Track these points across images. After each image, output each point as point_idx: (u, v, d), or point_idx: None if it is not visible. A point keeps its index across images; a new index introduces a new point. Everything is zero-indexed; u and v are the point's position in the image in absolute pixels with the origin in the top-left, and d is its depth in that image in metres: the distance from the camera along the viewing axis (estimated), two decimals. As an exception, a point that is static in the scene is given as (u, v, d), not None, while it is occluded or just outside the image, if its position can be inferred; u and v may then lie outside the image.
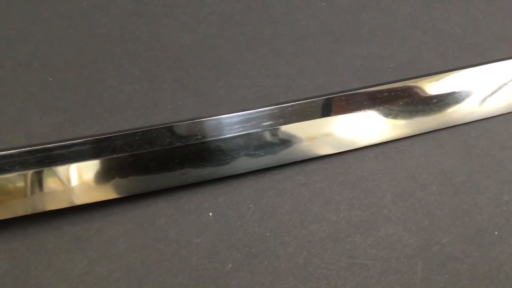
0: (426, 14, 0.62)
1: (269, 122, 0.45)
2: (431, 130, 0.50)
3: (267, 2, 0.62)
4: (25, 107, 0.51)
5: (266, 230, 0.44)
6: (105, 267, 0.42)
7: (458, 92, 0.50)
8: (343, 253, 0.43)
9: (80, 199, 0.43)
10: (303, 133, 0.47)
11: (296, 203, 0.46)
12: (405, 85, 0.49)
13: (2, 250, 0.43)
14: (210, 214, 0.45)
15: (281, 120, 0.46)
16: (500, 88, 0.52)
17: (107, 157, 0.42)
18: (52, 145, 0.42)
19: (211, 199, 0.46)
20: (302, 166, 0.48)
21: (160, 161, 0.43)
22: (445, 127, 0.51)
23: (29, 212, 0.42)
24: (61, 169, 0.42)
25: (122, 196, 0.44)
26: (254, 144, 0.45)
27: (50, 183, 0.42)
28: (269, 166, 0.47)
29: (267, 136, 0.46)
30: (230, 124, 0.45)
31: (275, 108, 0.46)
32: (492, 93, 0.51)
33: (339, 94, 0.48)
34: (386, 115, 0.49)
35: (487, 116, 0.52)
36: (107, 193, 0.43)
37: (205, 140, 0.44)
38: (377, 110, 0.48)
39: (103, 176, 0.43)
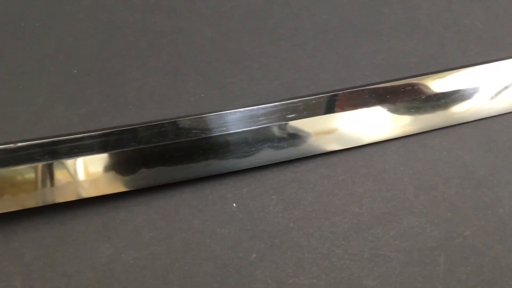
0: (447, 9, 0.62)
1: (293, 115, 0.46)
2: (453, 124, 0.50)
3: (288, -4, 0.63)
4: (50, 98, 0.52)
5: (289, 221, 0.45)
6: (131, 255, 0.43)
7: (479, 87, 0.51)
8: (366, 245, 0.44)
9: (106, 189, 0.44)
10: (326, 126, 0.47)
11: (318, 195, 0.46)
12: (427, 79, 0.50)
13: (30, 238, 0.43)
14: (234, 205, 0.45)
15: (305, 112, 0.46)
16: (522, 82, 0.52)
17: (134, 148, 0.43)
18: (80, 135, 0.42)
19: (235, 190, 0.46)
20: (324, 158, 0.48)
21: (185, 152, 0.44)
22: (466, 121, 0.51)
23: (57, 201, 0.43)
24: (88, 159, 0.42)
25: (148, 186, 0.45)
26: (277, 136, 0.46)
27: (76, 173, 0.43)
28: (292, 158, 0.47)
29: (291, 128, 0.46)
30: (255, 116, 0.45)
31: (299, 101, 0.46)
32: (514, 88, 0.52)
33: (361, 88, 0.49)
34: (409, 108, 0.49)
35: (509, 111, 0.52)
36: (133, 183, 0.44)
37: (230, 132, 0.45)
38: (399, 104, 0.49)
39: (130, 166, 0.43)
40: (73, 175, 0.43)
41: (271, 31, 0.58)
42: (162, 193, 0.46)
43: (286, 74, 0.55)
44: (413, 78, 0.50)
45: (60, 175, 0.42)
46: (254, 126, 0.45)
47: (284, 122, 0.46)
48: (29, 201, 0.42)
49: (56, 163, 0.42)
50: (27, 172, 0.41)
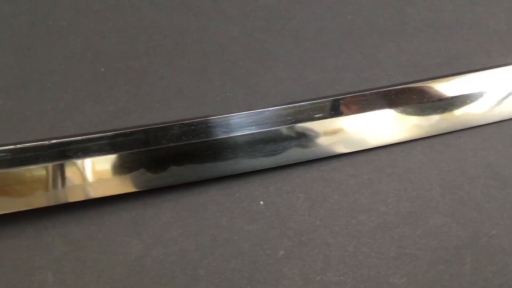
0: (470, 10, 0.62)
1: (320, 114, 0.46)
2: (478, 124, 0.51)
3: (312, -4, 0.63)
4: (78, 96, 0.52)
5: (316, 219, 0.45)
6: (161, 251, 0.43)
7: (504, 88, 0.51)
8: (393, 243, 0.44)
9: (136, 186, 0.44)
10: (352, 126, 0.48)
11: (344, 194, 0.47)
12: (452, 80, 0.50)
13: (61, 234, 0.44)
14: (261, 202, 0.46)
15: (332, 112, 0.47)
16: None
17: (164, 146, 0.44)
18: (111, 133, 0.43)
19: (262, 188, 0.47)
20: (350, 157, 0.49)
21: (214, 151, 0.45)
22: (491, 122, 0.51)
23: (90, 197, 0.44)
24: (119, 157, 0.43)
25: (176, 183, 0.45)
26: (304, 135, 0.46)
27: (108, 171, 0.43)
28: (318, 157, 0.48)
29: (318, 128, 0.47)
30: (282, 115, 0.46)
31: (326, 101, 0.47)
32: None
33: (387, 89, 0.49)
34: (434, 109, 0.49)
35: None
36: (162, 180, 0.45)
37: (258, 131, 0.45)
38: (425, 104, 0.49)
39: (160, 164, 0.44)
40: (104, 173, 0.43)
41: (295, 31, 0.59)
42: (190, 190, 0.47)
43: (311, 73, 0.55)
44: (439, 79, 0.50)
45: (92, 172, 0.43)
46: (281, 125, 0.46)
47: (311, 122, 0.46)
48: (60, 197, 0.43)
49: (88, 161, 0.42)
50: (59, 169, 0.42)
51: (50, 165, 0.42)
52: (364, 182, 0.47)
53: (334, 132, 0.47)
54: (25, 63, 0.55)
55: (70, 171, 0.42)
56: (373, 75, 0.55)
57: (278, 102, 0.49)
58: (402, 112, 0.49)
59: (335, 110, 0.47)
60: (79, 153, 0.42)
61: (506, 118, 0.52)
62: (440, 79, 0.50)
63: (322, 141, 0.47)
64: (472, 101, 0.50)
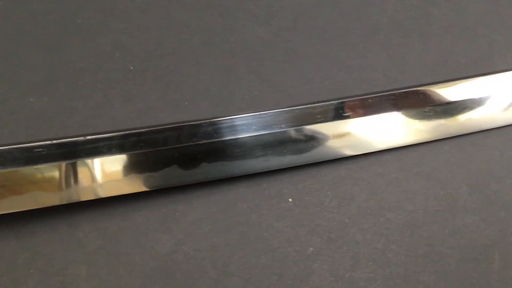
0: (495, 11, 0.63)
1: (349, 113, 0.47)
2: (506, 125, 0.51)
3: (338, -4, 0.64)
4: (108, 94, 0.53)
5: (345, 216, 0.46)
6: (192, 247, 0.44)
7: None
8: (421, 241, 0.44)
9: (168, 182, 0.45)
10: (381, 125, 0.48)
11: (372, 192, 0.47)
12: (480, 80, 0.50)
13: (95, 228, 0.45)
14: (290, 200, 0.47)
15: (361, 111, 0.47)
16: None
17: (196, 143, 0.44)
18: (145, 129, 0.44)
19: (290, 185, 0.47)
20: (377, 156, 0.49)
21: (245, 148, 0.45)
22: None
23: (122, 192, 0.44)
24: (152, 153, 0.44)
25: (207, 180, 0.46)
26: (333, 134, 0.47)
27: (140, 167, 0.44)
28: (346, 156, 0.48)
29: (347, 127, 0.47)
30: (312, 114, 0.46)
31: (356, 100, 0.47)
32: None
33: (414, 89, 0.50)
34: (462, 108, 0.50)
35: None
36: (193, 177, 0.45)
37: (288, 129, 0.46)
38: (452, 104, 0.49)
39: (191, 161, 0.45)
40: (137, 169, 0.44)
41: (321, 31, 0.59)
42: (219, 187, 0.47)
43: (337, 73, 0.56)
44: (466, 79, 0.50)
45: (124, 168, 0.44)
46: (311, 124, 0.46)
47: (340, 121, 0.47)
48: (98, 192, 0.44)
49: (120, 157, 0.43)
50: (93, 164, 0.43)
51: (83, 160, 0.42)
52: (392, 181, 0.48)
53: (362, 131, 0.48)
54: (56, 61, 0.55)
55: (104, 167, 0.43)
56: (399, 75, 0.55)
57: (305, 101, 0.49)
58: (429, 112, 0.49)
59: (365, 109, 0.47)
60: (113, 149, 0.43)
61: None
62: (467, 79, 0.51)
63: (351, 140, 0.48)
64: (500, 102, 0.51)
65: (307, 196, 0.47)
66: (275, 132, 0.45)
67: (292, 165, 0.47)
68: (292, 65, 0.56)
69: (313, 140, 0.47)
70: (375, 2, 0.63)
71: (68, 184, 0.43)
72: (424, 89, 0.50)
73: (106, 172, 0.43)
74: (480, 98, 0.50)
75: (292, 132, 0.46)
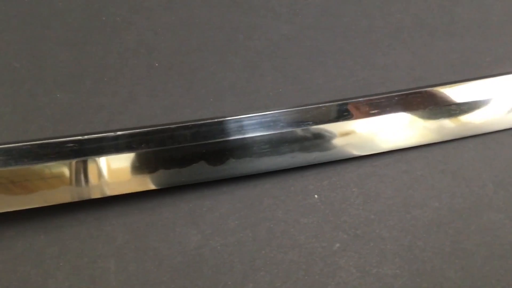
0: (519, 9, 0.63)
1: (376, 111, 0.47)
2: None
3: (361, -6, 0.64)
4: (134, 90, 0.54)
5: (370, 213, 0.46)
6: (219, 242, 0.44)
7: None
8: (447, 238, 0.45)
9: (196, 178, 0.46)
10: (406, 123, 0.48)
11: (398, 189, 0.47)
12: (505, 79, 0.50)
13: (122, 223, 0.45)
14: (316, 196, 0.47)
15: (388, 109, 0.47)
16: None
17: (223, 139, 0.45)
18: (173, 125, 0.44)
19: (316, 182, 0.48)
20: (402, 154, 0.49)
21: (272, 145, 0.46)
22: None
23: (150, 188, 0.45)
24: (178, 150, 0.44)
25: (234, 176, 0.47)
26: (359, 131, 0.47)
27: (167, 163, 0.44)
28: (371, 153, 0.49)
29: (373, 124, 0.47)
30: (340, 111, 0.47)
31: (382, 98, 0.48)
32: None
33: (437, 87, 0.50)
34: (487, 107, 0.50)
35: None
36: (220, 173, 0.46)
37: (315, 126, 0.46)
38: (474, 103, 0.50)
39: (218, 157, 0.45)
40: (164, 165, 0.44)
41: (345, 29, 0.60)
42: (245, 183, 0.48)
43: (361, 71, 0.56)
44: (489, 78, 0.50)
45: (153, 164, 0.44)
46: (337, 121, 0.46)
47: (367, 118, 0.47)
48: (122, 188, 0.44)
49: (149, 153, 0.44)
50: (123, 159, 0.43)
51: (113, 156, 0.43)
52: (417, 178, 0.48)
53: (388, 129, 0.48)
54: (81, 58, 0.56)
55: (134, 163, 0.43)
56: (423, 73, 0.55)
57: (330, 98, 0.49)
58: (454, 110, 0.49)
59: (391, 107, 0.48)
60: (142, 145, 0.43)
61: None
62: (490, 77, 0.51)
63: (376, 137, 0.48)
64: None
65: (332, 192, 0.47)
66: (302, 129, 0.46)
67: (317, 162, 0.48)
68: (316, 62, 0.56)
69: (339, 137, 0.47)
70: (399, 0, 0.63)
71: (98, 178, 0.43)
72: (450, 87, 0.49)
73: (135, 168, 0.44)
74: (504, 97, 0.50)
75: (318, 129, 0.46)
